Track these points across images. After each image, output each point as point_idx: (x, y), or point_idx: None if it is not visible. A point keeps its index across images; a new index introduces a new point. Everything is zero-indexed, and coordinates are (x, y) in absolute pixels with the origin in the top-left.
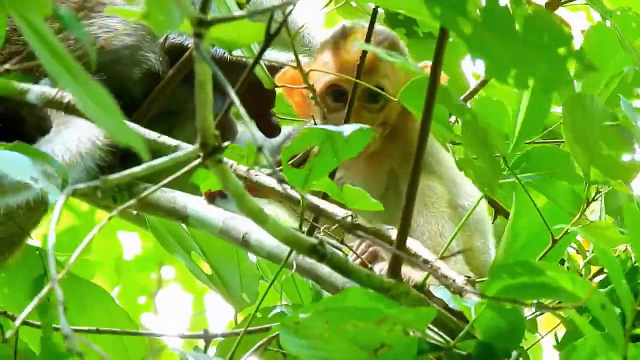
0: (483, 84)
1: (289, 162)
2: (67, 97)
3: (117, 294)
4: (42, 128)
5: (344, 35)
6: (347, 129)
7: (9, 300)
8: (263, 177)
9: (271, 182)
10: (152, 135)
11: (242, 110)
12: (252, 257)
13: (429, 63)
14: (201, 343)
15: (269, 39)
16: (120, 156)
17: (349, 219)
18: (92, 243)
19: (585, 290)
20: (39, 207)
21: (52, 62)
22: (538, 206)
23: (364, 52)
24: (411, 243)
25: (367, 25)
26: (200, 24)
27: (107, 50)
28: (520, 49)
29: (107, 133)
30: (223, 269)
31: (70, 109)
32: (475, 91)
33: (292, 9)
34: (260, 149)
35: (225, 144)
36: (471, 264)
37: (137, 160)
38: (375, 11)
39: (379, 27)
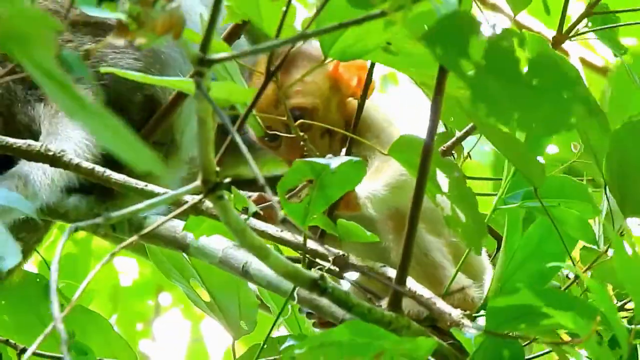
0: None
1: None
2: (52, 149)
3: (115, 320)
4: (31, 130)
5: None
6: (334, 162)
7: (9, 327)
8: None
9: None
10: (140, 184)
11: (244, 148)
12: (252, 285)
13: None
14: None
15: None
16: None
17: (341, 258)
18: (88, 271)
19: (585, 327)
20: (38, 230)
21: (63, 98)
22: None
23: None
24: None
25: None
26: (201, 63)
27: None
28: (524, 91)
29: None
30: (222, 296)
31: (56, 162)
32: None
33: (291, 47)
34: (262, 187)
35: (227, 180)
36: (468, 270)
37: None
38: None
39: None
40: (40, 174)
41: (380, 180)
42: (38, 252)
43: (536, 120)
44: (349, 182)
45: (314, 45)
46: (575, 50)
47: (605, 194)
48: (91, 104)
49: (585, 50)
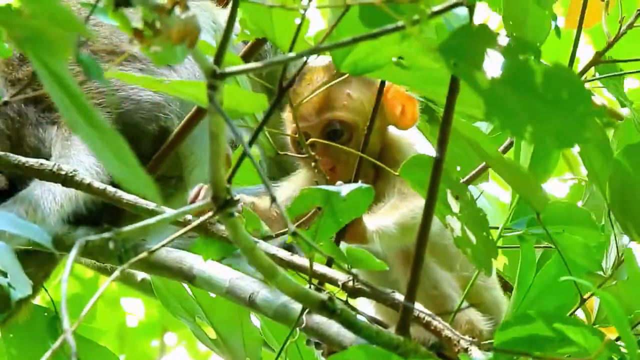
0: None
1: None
2: (65, 168)
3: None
4: (40, 152)
5: (301, 77)
6: (345, 189)
7: None
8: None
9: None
10: (150, 205)
11: (257, 165)
12: (255, 322)
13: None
14: None
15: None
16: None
17: (351, 282)
18: (96, 311)
19: (594, 343)
20: (45, 264)
21: (68, 107)
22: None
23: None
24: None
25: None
26: (214, 76)
27: (132, 98)
28: (538, 105)
29: (119, 180)
30: (227, 333)
31: (68, 181)
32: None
33: (305, 63)
34: (274, 200)
35: (237, 197)
36: (479, 303)
37: None
38: None
39: None
40: (50, 200)
41: (392, 217)
42: (45, 290)
43: (550, 134)
44: (358, 209)
45: None
46: None
47: (609, 218)
48: (98, 118)
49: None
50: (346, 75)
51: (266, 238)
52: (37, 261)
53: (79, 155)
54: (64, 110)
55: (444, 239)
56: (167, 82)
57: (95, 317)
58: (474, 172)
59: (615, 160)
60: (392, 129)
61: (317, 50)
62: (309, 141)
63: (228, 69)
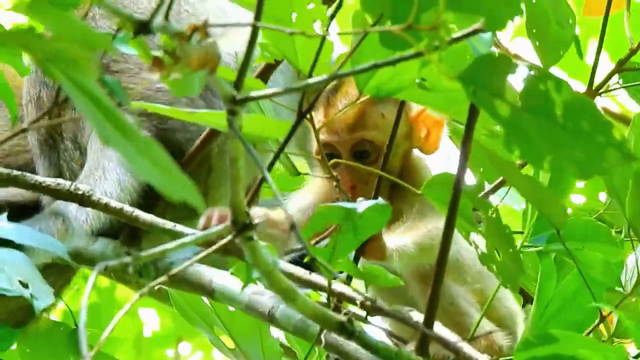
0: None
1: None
2: (82, 188)
3: None
4: (76, 139)
5: (335, 89)
6: (361, 205)
7: None
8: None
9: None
10: (168, 224)
11: (274, 188)
12: (274, 333)
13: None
14: None
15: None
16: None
17: (369, 302)
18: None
19: None
20: (65, 272)
21: (101, 121)
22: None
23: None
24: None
25: None
26: (234, 102)
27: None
28: (558, 134)
29: (161, 188)
30: (246, 344)
31: (85, 201)
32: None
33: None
34: (293, 227)
35: (257, 221)
36: (492, 316)
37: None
38: None
39: None
40: (82, 219)
41: (410, 237)
42: (62, 299)
43: (569, 164)
44: (375, 225)
45: None
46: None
47: (629, 235)
48: (133, 128)
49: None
50: None
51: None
52: (57, 269)
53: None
54: (96, 126)
55: (456, 253)
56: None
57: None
58: (492, 185)
59: (635, 175)
60: (415, 152)
61: (337, 76)
62: (331, 162)
63: (249, 94)
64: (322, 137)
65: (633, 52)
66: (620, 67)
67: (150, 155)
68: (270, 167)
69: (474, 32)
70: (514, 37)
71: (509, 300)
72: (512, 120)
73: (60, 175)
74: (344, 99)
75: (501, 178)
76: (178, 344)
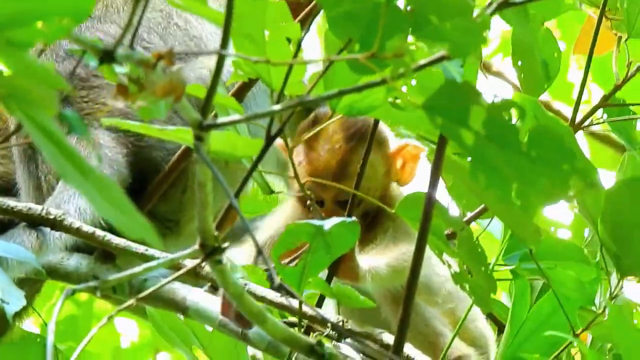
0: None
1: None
2: (53, 212)
3: None
4: None
5: (315, 123)
6: (327, 223)
7: None
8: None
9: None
10: (140, 248)
11: (242, 214)
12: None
13: (410, 142)
14: None
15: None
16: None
17: (341, 323)
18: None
19: None
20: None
21: (59, 159)
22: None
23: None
24: (405, 349)
25: None
26: (200, 127)
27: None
28: (522, 162)
29: (118, 226)
30: None
31: (57, 225)
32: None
33: (291, 114)
34: (259, 252)
35: (225, 244)
36: (464, 337)
37: None
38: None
39: None
40: (56, 236)
41: (384, 259)
42: (39, 314)
43: (535, 191)
44: (345, 243)
45: (381, 128)
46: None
47: (602, 254)
48: (92, 169)
49: None
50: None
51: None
52: (28, 280)
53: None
54: (56, 165)
55: (427, 275)
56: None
57: (90, 340)
58: (476, 210)
59: (607, 195)
60: (395, 186)
61: (305, 103)
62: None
63: (218, 120)
64: (306, 185)
65: (617, 87)
66: (605, 102)
67: (108, 195)
68: (239, 191)
69: (439, 60)
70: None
71: (481, 321)
72: (478, 149)
73: (38, 186)
74: (325, 143)
75: (482, 206)
76: (156, 354)
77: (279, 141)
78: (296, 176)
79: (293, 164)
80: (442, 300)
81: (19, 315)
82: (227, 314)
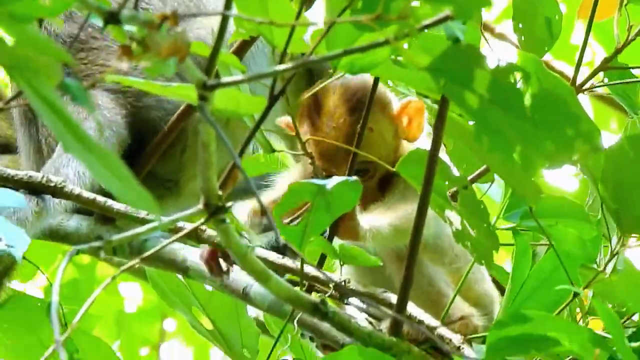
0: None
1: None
2: (54, 180)
3: (119, 346)
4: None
5: (317, 105)
6: (330, 182)
7: (11, 351)
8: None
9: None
10: (141, 213)
11: (248, 178)
12: (252, 312)
13: (412, 98)
14: None
15: (271, 104)
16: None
17: (344, 283)
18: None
19: (587, 345)
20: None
21: (61, 129)
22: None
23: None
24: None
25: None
26: (204, 87)
27: (155, 96)
28: (526, 126)
29: (117, 195)
30: (223, 325)
31: (58, 192)
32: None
33: (294, 74)
34: (264, 211)
35: (229, 204)
36: (468, 296)
37: None
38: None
39: (350, 81)
40: (56, 201)
41: (387, 218)
42: (44, 274)
43: (539, 155)
44: (347, 202)
45: (382, 90)
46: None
47: (603, 213)
48: (91, 138)
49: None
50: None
51: None
52: None
53: None
54: (58, 135)
55: (435, 236)
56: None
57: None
58: (478, 171)
59: (608, 154)
60: (406, 144)
61: (307, 63)
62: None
63: (221, 80)
64: (318, 163)
65: (618, 50)
66: (605, 65)
67: (107, 164)
68: (242, 150)
69: (443, 20)
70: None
71: (486, 282)
72: (481, 112)
73: (39, 149)
74: (329, 121)
75: (482, 168)
76: (163, 319)
77: (285, 119)
78: (306, 152)
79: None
80: (449, 261)
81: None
82: (207, 259)
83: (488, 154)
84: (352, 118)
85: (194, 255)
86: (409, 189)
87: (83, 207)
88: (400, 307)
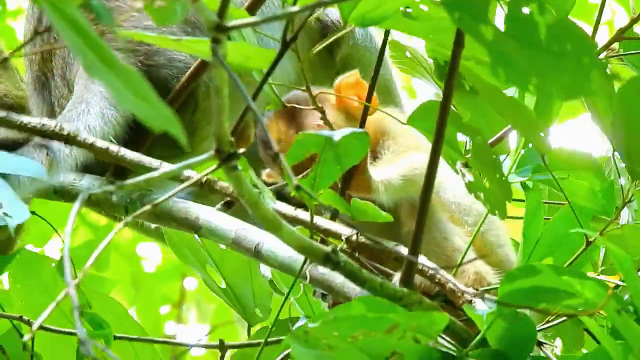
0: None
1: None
2: (67, 128)
3: (137, 305)
4: (64, 76)
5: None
6: (338, 134)
7: (25, 311)
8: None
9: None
10: (154, 163)
11: (259, 116)
12: (265, 272)
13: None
14: None
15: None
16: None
17: (355, 237)
18: (108, 259)
19: (600, 295)
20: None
21: (84, 50)
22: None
23: None
24: (419, 259)
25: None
26: (217, 29)
27: (165, 54)
28: (542, 57)
29: (142, 117)
30: (236, 284)
31: (71, 141)
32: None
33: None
34: (276, 157)
35: (241, 150)
36: (490, 261)
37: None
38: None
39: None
40: (67, 152)
41: (395, 169)
42: (58, 233)
43: (555, 86)
44: (356, 153)
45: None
46: None
47: (613, 158)
48: (114, 58)
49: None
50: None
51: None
52: None
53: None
54: (79, 54)
55: (457, 194)
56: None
57: (109, 266)
58: (495, 137)
59: (618, 99)
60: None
61: (321, 4)
62: None
63: (231, 23)
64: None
65: (634, 20)
66: (621, 35)
67: (132, 86)
68: (254, 98)
69: None
70: None
71: (508, 247)
72: (497, 44)
73: (52, 111)
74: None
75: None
76: (183, 279)
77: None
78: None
79: None
80: (472, 220)
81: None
82: None
83: (500, 101)
84: (295, 120)
85: (206, 213)
86: (399, 144)
87: (93, 165)
88: (413, 253)
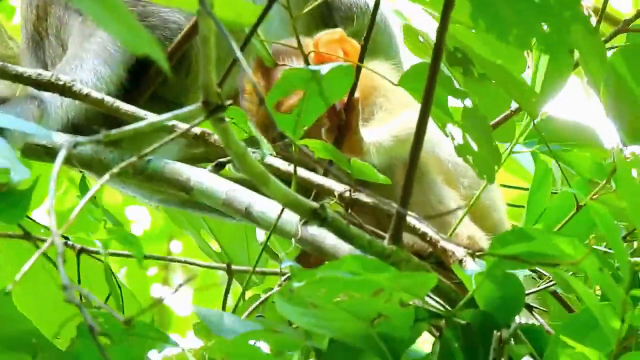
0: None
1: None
2: (63, 78)
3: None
4: (59, 36)
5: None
6: (324, 68)
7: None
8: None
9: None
10: (149, 115)
11: (247, 68)
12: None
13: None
14: None
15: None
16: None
17: (348, 193)
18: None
19: (582, 249)
20: None
21: None
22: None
23: None
24: (410, 218)
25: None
26: None
27: (159, 15)
28: (524, 7)
29: (123, 43)
30: (231, 248)
31: (67, 91)
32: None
33: None
34: (261, 101)
35: (228, 102)
36: (484, 225)
37: None
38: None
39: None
40: (57, 104)
41: (386, 130)
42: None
43: (535, 37)
44: (339, 89)
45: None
46: None
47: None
48: None
49: None
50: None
51: None
52: None
53: (91, 60)
54: None
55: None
56: None
57: (98, 229)
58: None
59: (610, 59)
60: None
61: None
62: None
63: None
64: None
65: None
66: (625, 27)
67: (115, 14)
68: (242, 48)
69: None
70: None
71: (502, 213)
72: None
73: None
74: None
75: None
76: (169, 242)
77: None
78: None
79: None
80: (467, 182)
81: None
82: None
83: (491, 68)
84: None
85: (197, 175)
86: (392, 102)
87: (84, 121)
88: (403, 207)
